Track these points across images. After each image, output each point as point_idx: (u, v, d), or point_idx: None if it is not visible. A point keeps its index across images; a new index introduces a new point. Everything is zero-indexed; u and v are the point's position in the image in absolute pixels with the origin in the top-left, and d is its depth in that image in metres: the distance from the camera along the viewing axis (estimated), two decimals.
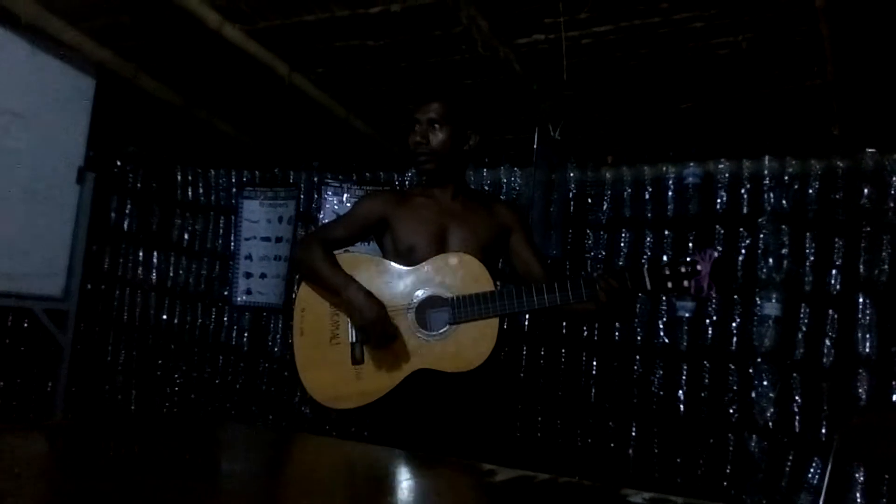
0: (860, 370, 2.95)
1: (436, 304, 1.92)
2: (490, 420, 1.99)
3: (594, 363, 3.46)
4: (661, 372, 3.32)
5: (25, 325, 4.20)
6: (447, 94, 2.10)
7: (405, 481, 1.37)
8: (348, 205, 4.15)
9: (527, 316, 3.46)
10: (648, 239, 3.41)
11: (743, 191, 3.26)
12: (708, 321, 3.25)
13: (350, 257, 2.05)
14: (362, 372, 1.95)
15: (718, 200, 3.30)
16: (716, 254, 1.79)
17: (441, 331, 1.90)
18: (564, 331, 3.53)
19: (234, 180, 4.54)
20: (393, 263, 2.02)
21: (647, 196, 3.46)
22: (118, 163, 4.79)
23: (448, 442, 1.88)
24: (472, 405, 1.95)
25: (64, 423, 3.10)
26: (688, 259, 1.80)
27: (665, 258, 1.89)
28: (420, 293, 1.94)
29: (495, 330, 1.86)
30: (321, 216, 4.20)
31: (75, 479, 1.17)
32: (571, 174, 3.61)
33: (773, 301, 3.11)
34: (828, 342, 3.05)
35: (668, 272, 1.79)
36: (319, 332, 2.02)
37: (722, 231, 3.28)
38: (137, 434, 1.64)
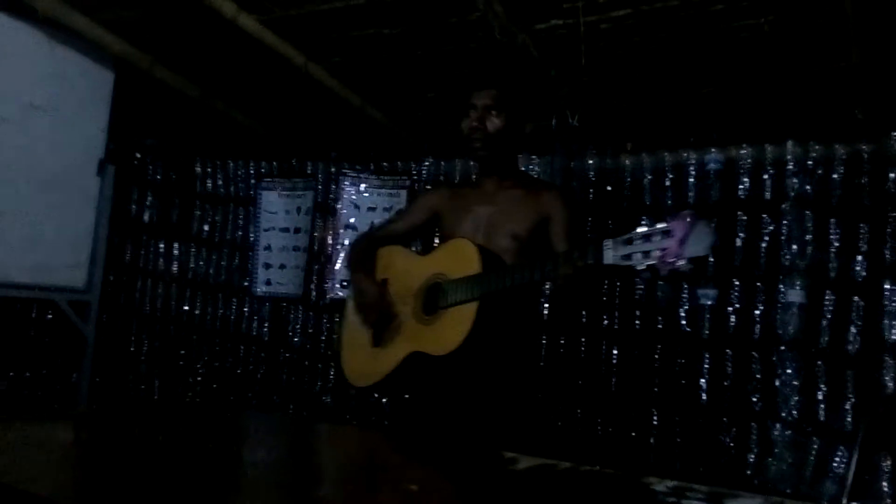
0: (886, 358, 2.91)
1: (436, 290, 1.95)
2: (511, 408, 1.98)
3: (615, 352, 3.44)
4: (683, 360, 3.29)
5: (49, 316, 4.25)
6: (503, 80, 2.09)
7: (426, 469, 1.37)
8: (366, 195, 4.16)
9: (545, 304, 3.45)
10: None
11: (766, 176, 3.21)
12: (730, 308, 3.22)
13: (386, 249, 2.18)
14: (378, 354, 2.05)
15: (741, 186, 3.26)
16: (689, 218, 1.50)
17: (433, 315, 1.93)
18: (584, 319, 3.51)
19: (252, 171, 4.56)
20: (411, 252, 2.15)
21: (667, 183, 3.42)
22: (138, 155, 4.82)
23: (467, 429, 1.89)
24: (488, 392, 1.94)
25: (88, 413, 3.14)
26: (659, 225, 1.54)
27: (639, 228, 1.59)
28: (426, 279, 1.98)
29: (473, 312, 1.83)
30: (339, 206, 4.20)
31: (100, 468, 1.18)
32: (590, 161, 3.57)
33: (797, 288, 3.07)
34: (853, 329, 3.00)
35: (635, 242, 1.57)
36: (356, 318, 2.14)
37: (745, 218, 3.23)
38: (160, 423, 1.65)
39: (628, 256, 1.58)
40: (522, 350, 2.06)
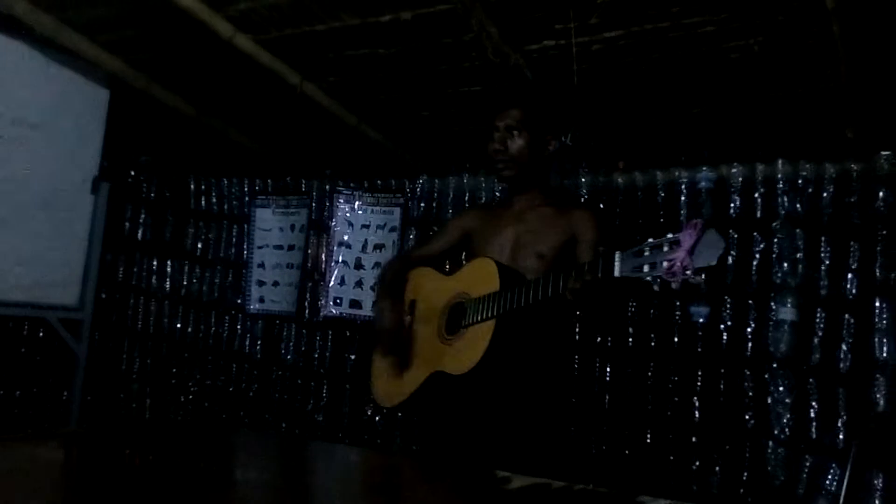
0: (877, 375, 2.91)
1: (459, 309, 1.96)
2: (530, 430, 1.95)
3: (608, 369, 3.44)
4: (676, 378, 3.29)
5: (41, 334, 4.23)
6: (525, 100, 2.11)
7: (418, 489, 1.37)
8: (360, 212, 4.17)
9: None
10: None
11: (756, 195, 3.23)
12: (723, 326, 3.23)
13: (416, 271, 2.20)
14: (403, 374, 2.07)
15: (732, 205, 3.28)
16: (698, 227, 1.45)
17: (454, 334, 1.93)
18: (577, 337, 3.51)
19: (246, 189, 4.57)
20: (438, 272, 2.15)
21: (659, 201, 3.44)
22: (132, 173, 4.83)
23: (469, 448, 1.90)
24: (508, 412, 1.92)
25: (79, 431, 3.12)
26: (669, 235, 1.50)
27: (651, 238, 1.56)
28: (450, 299, 1.99)
29: (490, 331, 1.82)
30: (333, 224, 4.21)
31: (91, 487, 1.18)
32: (583, 180, 3.60)
33: (789, 306, 3.09)
34: (844, 347, 3.01)
35: (644, 254, 1.53)
36: None
37: (736, 236, 3.25)
38: (152, 442, 1.64)
39: (639, 268, 1.53)
40: (550, 370, 2.01)
